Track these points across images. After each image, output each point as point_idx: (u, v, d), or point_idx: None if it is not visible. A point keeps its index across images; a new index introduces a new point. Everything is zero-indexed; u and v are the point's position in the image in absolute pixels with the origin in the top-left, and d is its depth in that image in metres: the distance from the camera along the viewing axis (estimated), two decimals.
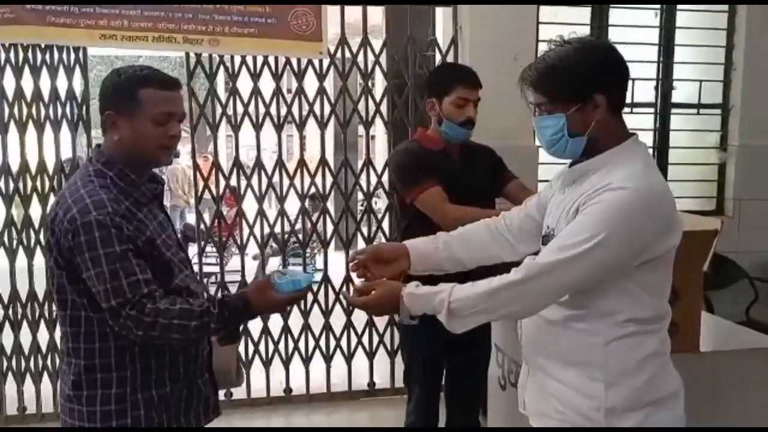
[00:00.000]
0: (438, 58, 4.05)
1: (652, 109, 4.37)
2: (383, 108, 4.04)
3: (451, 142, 2.71)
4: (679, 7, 4.28)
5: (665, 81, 4.33)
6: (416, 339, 2.79)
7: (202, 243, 4.12)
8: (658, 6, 4.28)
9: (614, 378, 1.62)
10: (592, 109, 1.62)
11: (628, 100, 4.36)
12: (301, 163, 3.96)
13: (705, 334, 2.28)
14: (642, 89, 4.32)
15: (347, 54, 3.96)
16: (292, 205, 4.00)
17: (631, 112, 4.34)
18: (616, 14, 4.23)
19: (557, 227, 1.68)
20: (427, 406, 2.83)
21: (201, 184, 3.98)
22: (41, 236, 3.77)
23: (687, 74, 4.35)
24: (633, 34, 4.26)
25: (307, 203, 4.12)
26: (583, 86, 1.62)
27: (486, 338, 2.85)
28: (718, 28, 4.31)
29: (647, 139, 4.39)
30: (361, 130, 4.24)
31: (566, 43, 1.67)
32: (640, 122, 4.38)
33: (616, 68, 1.67)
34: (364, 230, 4.06)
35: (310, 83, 3.93)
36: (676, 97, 4.37)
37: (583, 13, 4.22)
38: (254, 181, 3.92)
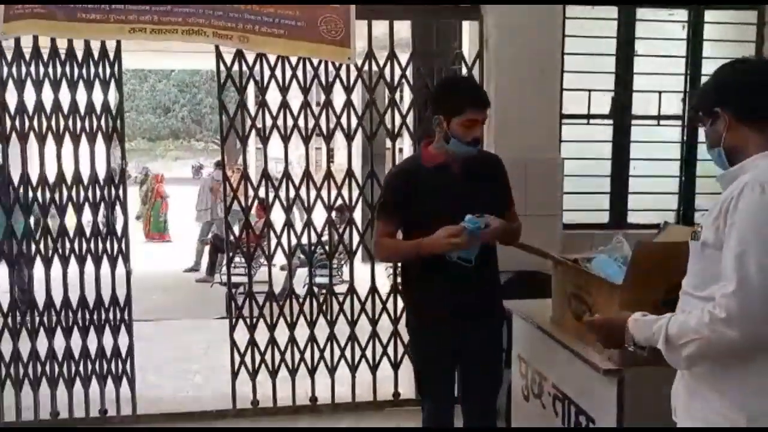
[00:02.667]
0: (465, 71, 4.09)
1: (679, 122, 4.36)
2: (409, 120, 4.09)
3: (455, 157, 2.69)
4: (706, 19, 4.26)
5: (693, 93, 4.31)
6: (426, 351, 2.81)
7: (230, 254, 4.20)
8: (686, 19, 4.27)
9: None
10: (722, 124, 1.73)
11: (654, 112, 4.36)
12: (328, 175, 4.03)
13: None
14: (669, 102, 4.31)
15: (374, 67, 4.03)
16: (320, 217, 4.07)
17: (658, 125, 4.35)
18: (643, 27, 4.24)
19: (704, 224, 1.73)
20: (440, 419, 2.82)
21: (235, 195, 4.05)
22: (76, 245, 3.89)
23: None
24: (660, 46, 4.26)
25: (334, 215, 4.17)
26: (708, 103, 1.76)
27: (497, 349, 2.86)
28: (746, 40, 4.28)
29: (674, 152, 4.38)
30: (388, 142, 4.30)
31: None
32: (667, 135, 4.37)
33: (738, 83, 1.75)
34: None
35: (338, 96, 4.00)
36: None
37: (611, 27, 4.23)
38: (282, 192, 4.00)
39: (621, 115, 4.29)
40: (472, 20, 4.11)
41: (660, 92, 4.29)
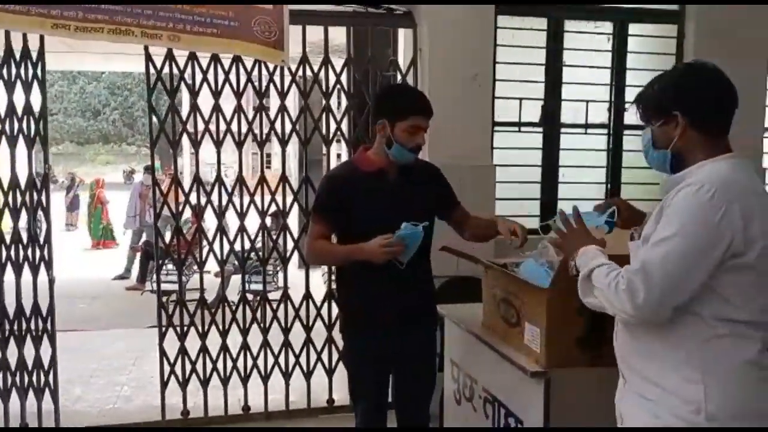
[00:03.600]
0: (399, 78, 4.12)
1: (605, 130, 4.50)
2: (344, 126, 4.09)
3: (393, 162, 2.69)
4: (630, 31, 4.42)
5: (618, 103, 4.46)
6: (360, 354, 2.80)
7: (160, 260, 4.10)
8: (611, 31, 4.42)
9: (712, 380, 1.64)
10: (674, 127, 1.74)
11: (581, 120, 4.48)
12: (262, 180, 3.99)
13: None
14: (596, 111, 4.45)
15: (309, 72, 4.02)
16: (256, 223, 4.02)
17: (586, 133, 4.48)
18: (571, 39, 4.37)
19: (645, 226, 1.79)
20: (374, 422, 2.82)
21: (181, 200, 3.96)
22: (12, 252, 3.74)
23: None
24: (587, 57, 4.40)
25: (270, 221, 4.13)
26: (665, 103, 1.76)
27: (432, 352, 2.87)
28: (667, 53, 4.46)
29: (601, 159, 4.53)
30: (325, 148, 4.28)
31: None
32: (593, 143, 4.51)
33: (699, 89, 1.75)
34: None
35: (276, 101, 3.96)
36: (629, 118, 4.50)
37: (540, 37, 4.34)
38: (215, 198, 3.93)
39: (550, 123, 4.40)
40: (407, 28, 4.15)
41: (587, 102, 4.42)
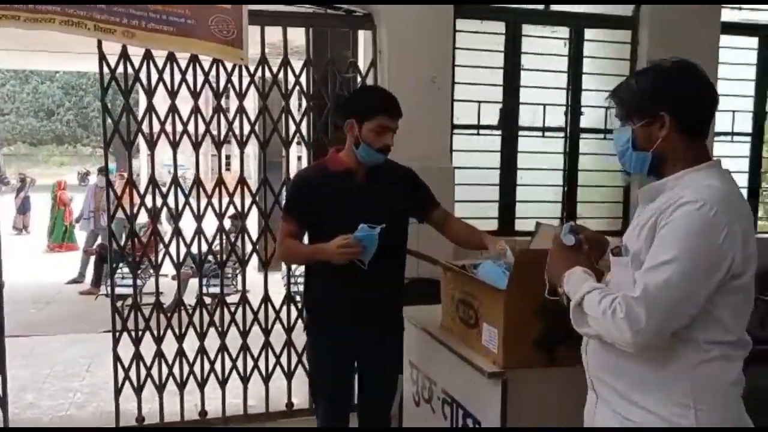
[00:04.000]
0: (359, 80, 4.11)
1: (562, 134, 4.56)
2: (303, 128, 4.06)
3: (362, 163, 2.70)
4: (586, 36, 4.50)
5: (574, 107, 4.53)
6: (322, 354, 2.80)
7: (114, 264, 4.01)
8: (567, 36, 4.48)
9: (704, 405, 1.59)
10: (659, 128, 1.65)
11: (539, 124, 4.53)
12: (219, 182, 3.93)
13: None
14: (553, 114, 4.51)
15: (267, 74, 3.98)
16: (216, 225, 3.96)
17: (543, 136, 4.54)
18: (529, 43, 4.42)
19: (628, 240, 1.69)
20: (334, 423, 2.81)
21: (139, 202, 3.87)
22: None
23: (594, 101, 4.57)
24: (544, 61, 4.45)
25: (230, 223, 4.08)
26: (650, 103, 1.66)
27: (398, 354, 2.88)
28: (622, 58, 4.55)
29: (558, 162, 4.59)
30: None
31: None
32: (551, 146, 4.57)
33: (687, 90, 1.66)
34: None
35: (235, 103, 3.91)
36: (585, 122, 4.57)
37: (498, 41, 4.38)
38: (172, 199, 3.87)
39: (509, 126, 4.44)
40: (366, 29, 4.15)
41: (545, 105, 4.47)
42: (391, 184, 2.76)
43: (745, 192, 4.92)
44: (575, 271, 1.73)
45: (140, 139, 3.85)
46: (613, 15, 4.55)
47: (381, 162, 2.71)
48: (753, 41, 4.81)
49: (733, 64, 4.73)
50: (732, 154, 4.84)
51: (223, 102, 3.91)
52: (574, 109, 4.53)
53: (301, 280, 5.51)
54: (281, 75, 3.98)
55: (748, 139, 4.91)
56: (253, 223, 4.30)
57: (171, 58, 3.75)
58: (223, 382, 4.01)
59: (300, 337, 4.07)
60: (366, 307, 2.69)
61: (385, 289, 2.73)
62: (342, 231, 2.52)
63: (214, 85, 3.88)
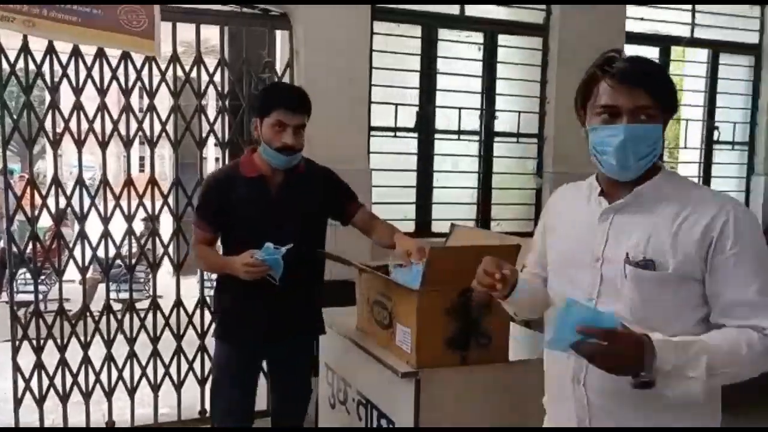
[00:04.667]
0: (275, 80, 4.05)
1: (477, 137, 4.65)
2: (218, 128, 3.97)
3: (276, 167, 2.56)
4: (499, 42, 4.60)
5: (488, 111, 4.62)
6: (227, 363, 2.69)
7: (14, 269, 3.80)
8: (482, 41, 4.57)
9: (718, 418, 1.58)
10: (663, 126, 1.56)
11: (455, 127, 4.58)
12: (128, 183, 3.79)
13: (520, 347, 2.46)
14: (468, 118, 4.59)
15: (180, 72, 3.87)
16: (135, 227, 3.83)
17: (459, 139, 4.61)
18: (444, 47, 4.48)
19: (654, 254, 1.49)
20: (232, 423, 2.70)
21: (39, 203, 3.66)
22: None
23: (508, 105, 4.69)
24: (459, 66, 4.53)
25: (143, 225, 3.93)
26: (674, 99, 1.57)
27: (305, 362, 2.81)
28: (533, 64, 4.68)
29: (473, 165, 4.67)
30: (204, 151, 4.13)
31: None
32: (466, 149, 4.65)
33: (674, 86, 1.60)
34: None
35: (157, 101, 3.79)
36: (499, 126, 4.68)
37: (415, 44, 4.42)
38: (77, 201, 3.69)
39: (425, 129, 4.49)
40: (282, 29, 4.10)
41: (460, 109, 4.55)
42: (307, 191, 2.63)
43: None
44: (659, 342, 1.38)
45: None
46: (525, 22, 4.67)
47: (288, 165, 2.54)
48: (654, 51, 5.05)
49: None
50: None
51: (137, 101, 3.77)
52: (488, 113, 4.63)
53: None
54: (195, 74, 3.88)
55: None
56: (167, 225, 4.16)
57: (76, 53, 3.58)
58: (132, 391, 3.86)
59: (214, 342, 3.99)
60: (280, 318, 2.61)
61: (301, 299, 2.64)
62: (253, 243, 2.42)
63: (122, 82, 3.73)
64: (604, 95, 1.55)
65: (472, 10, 4.52)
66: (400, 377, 2.21)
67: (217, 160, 8.61)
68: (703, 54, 5.27)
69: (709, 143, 5.36)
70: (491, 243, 2.37)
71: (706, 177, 5.36)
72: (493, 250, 2.30)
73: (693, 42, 5.17)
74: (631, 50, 4.75)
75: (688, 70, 5.41)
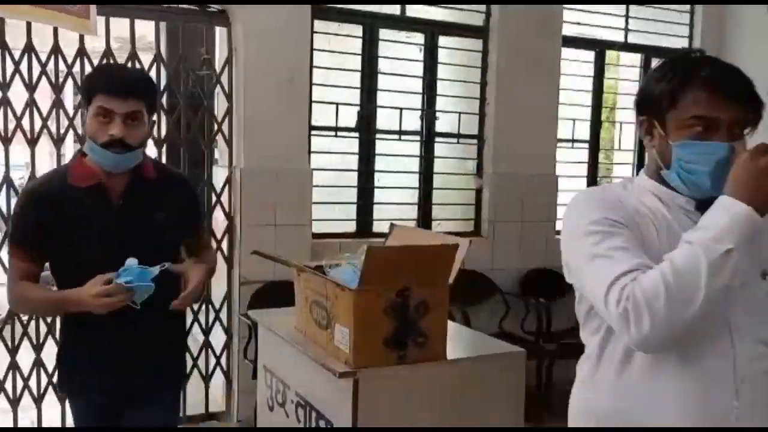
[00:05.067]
0: (213, 78, 3.99)
1: (418, 137, 4.67)
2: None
3: (116, 174, 2.02)
4: (440, 43, 4.64)
5: (429, 112, 4.65)
6: (83, 381, 2.15)
7: None
8: (423, 42, 4.60)
9: None
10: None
11: (396, 127, 4.59)
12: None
13: (458, 346, 2.48)
14: (409, 118, 4.61)
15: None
16: None
17: (400, 140, 4.62)
18: (385, 47, 4.49)
19: None
20: None
21: None
22: None
23: (448, 106, 4.73)
24: (401, 66, 4.54)
25: None
26: None
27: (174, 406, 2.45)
28: (474, 66, 4.74)
29: (414, 165, 4.69)
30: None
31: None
32: (407, 149, 4.67)
33: None
34: None
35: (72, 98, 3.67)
36: (439, 127, 4.71)
37: (356, 44, 4.42)
38: None
39: (366, 129, 4.49)
40: (221, 26, 4.04)
41: (401, 109, 4.56)
42: (159, 201, 2.11)
43: None
44: None
45: None
46: (465, 24, 4.72)
47: (121, 165, 2.00)
48: (590, 55, 5.18)
49: (573, 75, 5.07)
50: (572, 160, 5.18)
51: (71, 98, 3.63)
52: (429, 113, 4.66)
53: None
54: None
55: (587, 145, 5.27)
56: None
57: (2, 46, 3.44)
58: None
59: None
60: (136, 357, 2.10)
61: (161, 330, 2.14)
62: (93, 269, 1.92)
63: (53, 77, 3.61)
64: (700, 105, 1.38)
65: (412, 11, 4.55)
66: (338, 377, 2.19)
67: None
68: (636, 59, 5.43)
69: (641, 145, 5.52)
70: (430, 242, 2.37)
71: None
72: (431, 250, 2.33)
73: (626, 47, 5.32)
74: (567, 53, 4.92)
75: (622, 74, 5.56)
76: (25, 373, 3.66)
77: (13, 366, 3.63)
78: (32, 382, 3.68)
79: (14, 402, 3.64)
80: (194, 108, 3.96)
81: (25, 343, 3.65)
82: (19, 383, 3.66)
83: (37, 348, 3.66)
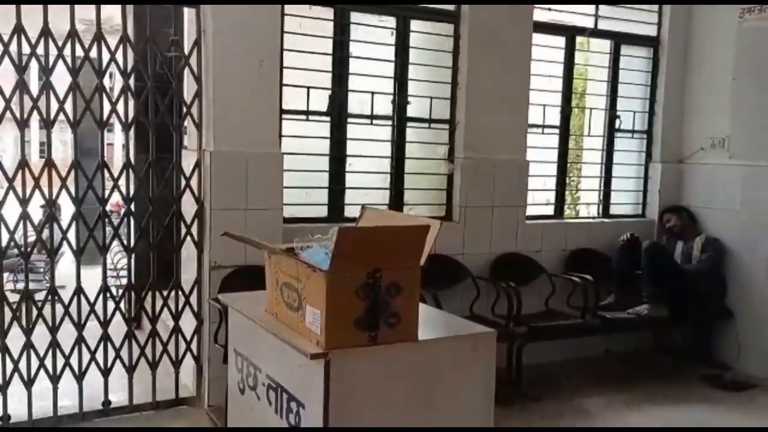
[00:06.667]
0: (182, 60, 3.92)
1: (389, 122, 4.66)
2: (120, 108, 3.80)
3: None
4: (412, 28, 4.62)
5: (401, 96, 4.64)
6: None
7: None
8: (395, 26, 4.58)
9: None
10: None
11: (368, 111, 4.58)
12: (23, 165, 3.58)
13: (430, 327, 2.49)
14: (381, 103, 4.59)
15: (79, 50, 3.67)
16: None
17: (371, 124, 4.61)
18: (357, 31, 4.46)
19: None
20: None
21: None
22: None
23: (420, 91, 4.72)
24: (372, 50, 4.52)
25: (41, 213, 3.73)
26: None
27: None
28: (445, 50, 4.73)
29: (385, 150, 4.68)
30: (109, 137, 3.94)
31: None
32: (379, 134, 4.65)
33: None
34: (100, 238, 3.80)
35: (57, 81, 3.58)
36: (411, 111, 4.71)
37: (327, 27, 4.38)
38: None
39: (338, 113, 4.46)
40: (189, 6, 3.97)
41: (373, 93, 4.54)
42: None
43: (552, 181, 5.34)
44: None
45: None
46: (437, 8, 4.71)
47: None
48: (560, 40, 5.21)
49: (544, 61, 5.09)
50: (543, 146, 5.22)
51: (35, 81, 3.55)
52: (401, 97, 4.65)
53: (123, 273, 5.19)
54: (95, 53, 3.70)
55: (557, 131, 5.31)
56: (68, 212, 3.96)
57: None
58: (29, 383, 3.66)
59: (117, 331, 3.86)
60: None
61: None
62: None
63: (15, 57, 3.52)
64: None
65: None
66: (310, 358, 2.18)
67: (123, 146, 8.29)
68: (605, 45, 5.47)
69: (611, 131, 5.58)
70: (401, 223, 2.37)
71: (608, 164, 5.59)
72: (401, 231, 2.33)
73: (596, 33, 5.36)
74: (538, 39, 4.95)
75: (592, 60, 5.61)
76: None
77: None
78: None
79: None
80: (162, 91, 3.89)
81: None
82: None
83: (1, 335, 3.59)
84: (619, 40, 5.45)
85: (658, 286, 4.94)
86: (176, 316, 4.01)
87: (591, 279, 4.79)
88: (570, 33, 5.24)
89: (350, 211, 4.51)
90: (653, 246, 5.09)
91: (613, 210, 5.64)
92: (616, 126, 5.57)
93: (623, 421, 4.12)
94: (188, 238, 3.98)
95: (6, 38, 3.47)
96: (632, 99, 5.63)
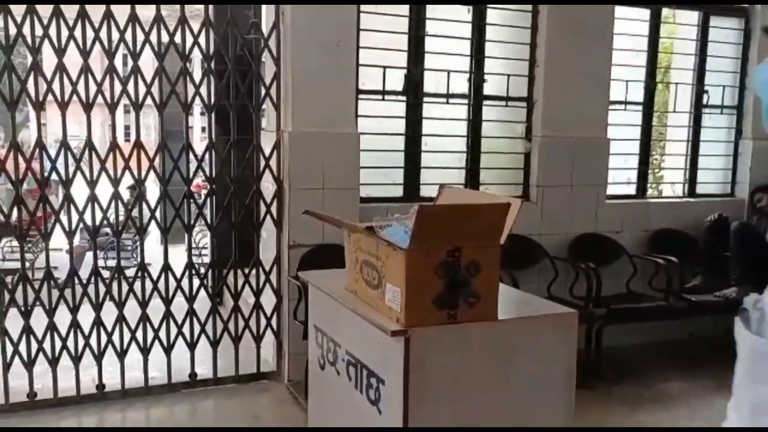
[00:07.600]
0: (261, 42, 4.00)
1: (465, 100, 4.61)
2: (203, 91, 3.91)
3: None
4: (489, 5, 4.54)
5: (477, 74, 4.58)
6: None
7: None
8: (471, 3, 4.51)
9: None
10: None
11: (443, 90, 4.53)
12: (114, 147, 3.74)
13: (509, 306, 2.47)
14: (457, 81, 4.54)
15: (164, 35, 3.80)
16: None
17: (447, 103, 4.57)
18: (433, 8, 4.42)
19: None
20: None
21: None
22: None
23: (497, 69, 4.64)
24: (448, 28, 4.47)
25: (129, 194, 3.90)
26: None
27: None
28: (523, 26, 4.63)
29: (461, 129, 4.64)
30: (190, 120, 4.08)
31: None
32: (455, 113, 4.61)
33: None
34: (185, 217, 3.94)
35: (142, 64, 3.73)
36: (487, 89, 4.64)
37: (403, 6, 4.35)
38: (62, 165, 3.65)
39: (413, 92, 4.45)
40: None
41: (449, 72, 4.50)
42: None
43: (634, 160, 5.17)
44: None
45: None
46: None
47: None
48: (645, 13, 5.00)
49: (627, 35, 4.91)
50: (625, 123, 5.06)
51: (120, 66, 3.69)
52: (477, 76, 4.59)
53: (205, 251, 5.37)
54: (179, 38, 3.81)
55: (640, 108, 5.13)
56: (154, 192, 4.13)
57: (57, 13, 3.51)
58: (121, 354, 3.86)
59: (202, 307, 4.00)
60: None
61: None
62: None
63: (105, 43, 3.67)
64: None
65: None
66: (390, 336, 2.21)
67: (203, 129, 8.56)
68: (693, 16, 5.23)
69: (698, 107, 5.35)
70: (481, 202, 2.36)
71: (695, 141, 5.36)
72: (481, 209, 2.31)
73: (683, 3, 5.12)
74: (621, 12, 4.77)
75: (678, 33, 5.37)
76: (86, 331, 3.80)
77: (75, 325, 3.77)
78: (93, 341, 3.82)
79: (76, 360, 3.79)
80: (243, 73, 3.98)
81: (86, 304, 3.79)
82: (80, 341, 3.80)
83: (97, 308, 3.79)
84: (707, 10, 5.20)
85: (747, 268, 4.72)
86: (257, 293, 4.12)
87: (676, 260, 4.63)
88: (655, 4, 5.03)
89: (426, 191, 4.50)
90: (743, 226, 4.87)
91: (700, 189, 5.42)
92: (704, 101, 5.33)
93: (706, 406, 3.98)
94: (268, 217, 4.08)
95: (96, 25, 3.61)
96: (721, 73, 5.37)
